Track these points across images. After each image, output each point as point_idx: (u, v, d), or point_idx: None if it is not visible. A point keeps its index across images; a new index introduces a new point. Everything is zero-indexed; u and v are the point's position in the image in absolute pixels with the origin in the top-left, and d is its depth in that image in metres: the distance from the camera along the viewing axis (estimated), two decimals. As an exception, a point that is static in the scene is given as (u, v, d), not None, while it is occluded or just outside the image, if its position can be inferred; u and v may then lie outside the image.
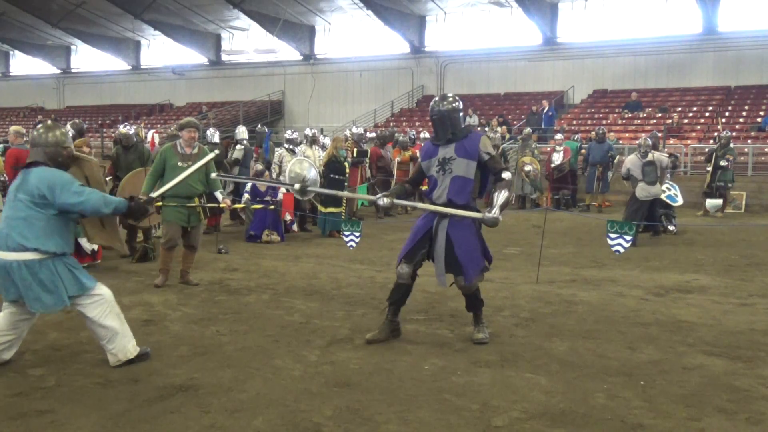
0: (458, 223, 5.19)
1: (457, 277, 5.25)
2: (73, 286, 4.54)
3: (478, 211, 5.28)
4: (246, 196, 11.22)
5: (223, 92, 32.93)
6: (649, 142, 11.45)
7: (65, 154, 4.75)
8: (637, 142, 11.69)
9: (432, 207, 5.29)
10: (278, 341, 5.37)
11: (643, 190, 11.03)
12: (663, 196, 11.48)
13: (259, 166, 11.88)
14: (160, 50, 35.23)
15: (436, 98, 5.41)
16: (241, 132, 13.38)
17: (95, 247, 8.11)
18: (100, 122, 32.88)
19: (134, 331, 5.62)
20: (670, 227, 11.57)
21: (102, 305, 4.65)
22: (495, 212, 5.07)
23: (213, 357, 4.98)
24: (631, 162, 11.32)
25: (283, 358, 4.95)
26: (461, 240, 5.19)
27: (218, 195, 7.62)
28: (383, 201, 5.47)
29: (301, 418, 3.91)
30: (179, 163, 7.28)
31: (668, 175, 12.03)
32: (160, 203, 7.48)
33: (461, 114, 5.37)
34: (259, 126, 15.98)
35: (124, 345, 4.70)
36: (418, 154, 15.75)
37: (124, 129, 10.04)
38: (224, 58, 33.85)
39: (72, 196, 4.47)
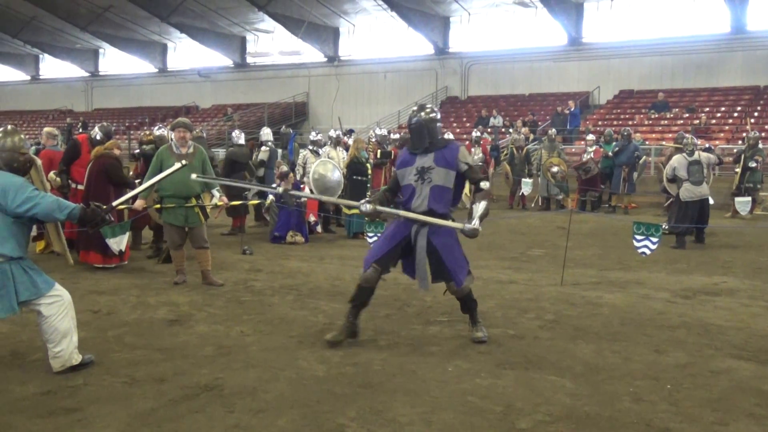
0: (438, 230, 5.23)
1: (449, 284, 5.31)
2: (27, 290, 4.48)
3: (453, 218, 5.34)
4: (271, 197, 11.27)
5: (248, 94, 33.13)
6: (696, 140, 11.14)
7: (22, 160, 4.70)
8: (683, 141, 11.17)
9: (415, 216, 5.29)
10: (302, 342, 5.39)
11: (687, 191, 10.63)
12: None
13: (284, 168, 11.94)
14: (186, 53, 35.54)
15: (415, 108, 5.50)
16: (266, 134, 13.46)
17: (122, 247, 8.21)
18: (127, 124, 33.26)
19: (161, 331, 5.71)
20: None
21: (60, 306, 4.59)
22: (475, 223, 5.11)
23: (238, 357, 5.02)
24: (677, 161, 10.85)
25: (307, 359, 4.97)
26: (445, 246, 5.24)
27: (215, 193, 7.82)
28: (366, 207, 5.47)
29: (324, 418, 3.92)
30: (175, 163, 7.37)
31: (714, 173, 11.59)
32: (159, 205, 7.59)
33: (439, 124, 5.45)
34: (283, 128, 16.05)
35: (71, 351, 4.64)
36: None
37: (158, 131, 10.13)
38: (249, 60, 34.06)
39: (25, 201, 4.42)
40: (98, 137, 9.38)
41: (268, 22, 30.64)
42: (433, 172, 5.25)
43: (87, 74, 39.00)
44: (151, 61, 36.33)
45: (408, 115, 5.47)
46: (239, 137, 12.91)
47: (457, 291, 5.33)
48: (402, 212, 5.42)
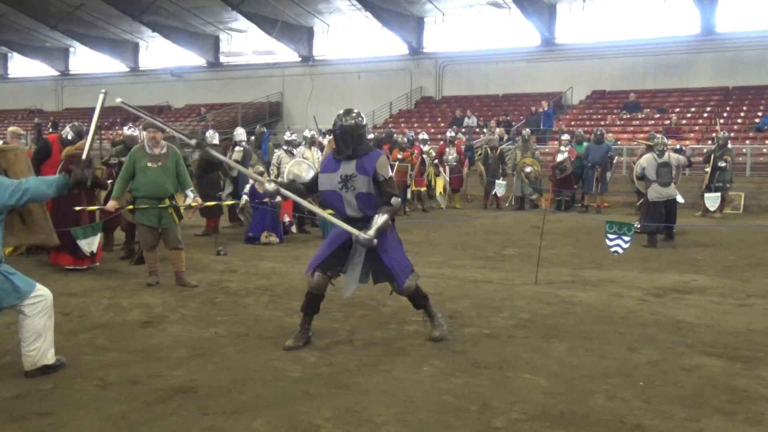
0: (380, 234, 5.20)
1: (392, 284, 5.31)
2: (10, 296, 4.44)
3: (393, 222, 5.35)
4: (245, 197, 11.21)
5: (222, 94, 32.92)
6: (666, 141, 11.37)
7: None
8: (653, 141, 11.50)
9: (315, 209, 5.57)
10: (277, 343, 5.37)
11: (654, 192, 10.86)
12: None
13: (260, 168, 11.87)
14: (158, 52, 35.18)
15: (341, 112, 5.35)
16: (240, 134, 13.36)
17: (94, 249, 8.10)
18: (98, 124, 32.86)
19: (134, 333, 5.65)
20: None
21: (42, 305, 4.57)
22: (371, 233, 5.06)
23: (212, 359, 4.99)
24: (646, 161, 11.09)
25: (282, 360, 4.95)
26: (386, 249, 5.22)
27: (189, 193, 7.78)
28: (270, 186, 5.36)
29: (300, 419, 3.91)
30: (149, 164, 7.40)
31: (684, 173, 11.84)
32: (131, 206, 7.51)
33: (364, 130, 5.32)
34: (258, 127, 15.95)
35: (45, 350, 4.59)
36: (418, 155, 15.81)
37: (128, 131, 10.00)
38: (222, 59, 33.84)
39: (14, 191, 4.38)
40: (69, 137, 9.25)
41: (241, 22, 30.46)
42: (356, 180, 5.20)
43: (57, 73, 38.42)
44: (123, 60, 35.91)
45: (333, 120, 5.34)
46: (213, 137, 12.81)
47: (401, 291, 5.34)
48: (303, 202, 5.49)
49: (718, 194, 14.79)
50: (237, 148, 13.00)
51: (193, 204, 7.93)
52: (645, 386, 4.45)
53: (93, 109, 6.20)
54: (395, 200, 5.26)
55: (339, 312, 6.36)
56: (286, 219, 11.65)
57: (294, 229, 12.07)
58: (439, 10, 27.87)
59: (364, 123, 5.35)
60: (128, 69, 36.07)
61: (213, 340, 5.47)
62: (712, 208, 14.80)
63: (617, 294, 7.24)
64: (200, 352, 5.12)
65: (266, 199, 11.03)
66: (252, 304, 6.72)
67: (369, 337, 5.55)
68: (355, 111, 5.38)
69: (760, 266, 9.01)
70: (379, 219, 5.15)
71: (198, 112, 32.13)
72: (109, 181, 9.14)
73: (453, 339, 5.50)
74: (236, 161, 12.67)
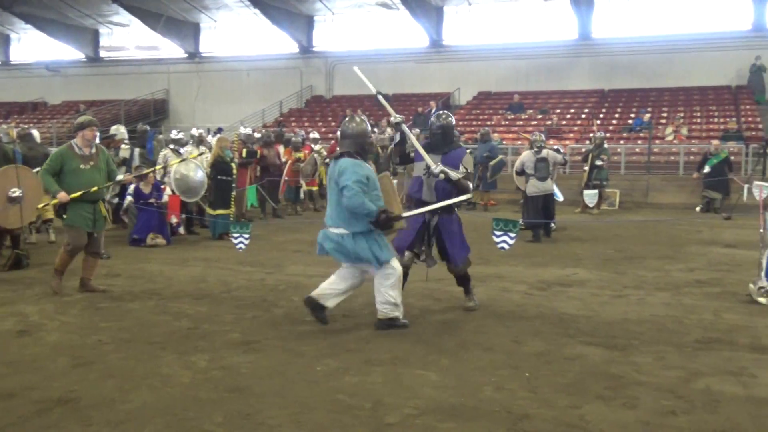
0: (447, 220, 6.26)
1: (449, 263, 6.34)
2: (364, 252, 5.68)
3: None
4: (129, 198, 10.79)
5: (103, 90, 31.50)
6: (543, 137, 11.90)
7: (369, 143, 5.62)
8: (531, 138, 12.03)
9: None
10: (165, 348, 5.20)
11: (533, 186, 11.39)
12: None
13: (144, 168, 11.45)
14: (32, 45, 33.31)
15: (434, 117, 6.53)
16: (122, 132, 12.77)
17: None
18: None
19: (8, 343, 5.32)
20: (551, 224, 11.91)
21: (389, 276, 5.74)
22: (439, 169, 6.04)
23: (95, 367, 4.76)
24: (526, 157, 11.59)
25: (171, 366, 4.80)
26: (449, 234, 6.26)
27: (119, 177, 7.75)
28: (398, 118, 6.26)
29: (190, 426, 3.80)
30: (81, 165, 7.01)
31: (564, 171, 12.43)
32: (55, 201, 7.06)
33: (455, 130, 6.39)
34: (139, 125, 15.33)
35: (391, 309, 5.76)
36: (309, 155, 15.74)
37: None
38: (103, 54, 32.45)
39: (344, 188, 5.41)
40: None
41: (123, 15, 29.32)
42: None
43: None
44: (-7, 53, 33.80)
45: (430, 121, 6.53)
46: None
47: (453, 270, 6.36)
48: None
49: (596, 191, 15.66)
50: (123, 146, 12.47)
51: (126, 179, 8.00)
52: (531, 377, 4.62)
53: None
54: (469, 185, 6.23)
55: (230, 314, 6.23)
56: (174, 220, 11.30)
57: (182, 230, 11.74)
58: (329, 9, 27.88)
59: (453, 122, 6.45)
60: (-1, 62, 33.98)
61: (96, 348, 5.22)
62: (590, 205, 15.64)
63: (504, 288, 7.49)
64: (82, 361, 4.88)
65: (152, 200, 10.67)
66: (137, 308, 6.48)
67: (261, 339, 5.47)
68: (445, 112, 6.55)
69: (634, 259, 9.55)
70: (453, 172, 6.06)
71: (77, 109, 30.61)
72: None
73: (347, 338, 5.52)
74: (124, 159, 12.18)
